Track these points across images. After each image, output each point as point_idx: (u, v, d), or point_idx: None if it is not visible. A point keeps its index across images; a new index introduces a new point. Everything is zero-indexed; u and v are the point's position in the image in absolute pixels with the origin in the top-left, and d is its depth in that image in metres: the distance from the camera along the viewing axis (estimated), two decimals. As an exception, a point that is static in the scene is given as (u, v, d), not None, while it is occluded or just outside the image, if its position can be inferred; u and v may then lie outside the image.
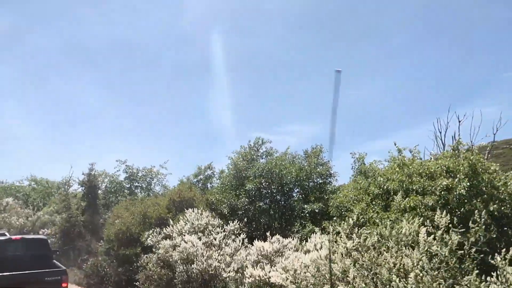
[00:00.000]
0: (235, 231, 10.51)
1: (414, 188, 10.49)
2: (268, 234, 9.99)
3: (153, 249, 14.22)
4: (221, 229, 13.42)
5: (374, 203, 12.45)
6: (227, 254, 9.25)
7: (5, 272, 9.61)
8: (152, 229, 15.80)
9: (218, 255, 8.86)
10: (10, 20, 49.87)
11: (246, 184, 15.76)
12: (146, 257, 11.91)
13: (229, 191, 16.34)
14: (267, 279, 8.33)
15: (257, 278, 8.38)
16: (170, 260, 9.60)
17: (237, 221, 10.90)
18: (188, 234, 13.74)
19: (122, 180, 23.23)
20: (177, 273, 8.78)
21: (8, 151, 50.57)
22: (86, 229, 18.79)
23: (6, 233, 13.70)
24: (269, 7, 47.71)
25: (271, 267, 8.71)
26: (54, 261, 11.61)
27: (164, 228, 15.03)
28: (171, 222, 14.97)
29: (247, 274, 8.55)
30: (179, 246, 10.36)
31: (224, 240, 9.54)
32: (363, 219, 11.76)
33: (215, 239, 10.49)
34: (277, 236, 10.07)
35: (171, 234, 14.53)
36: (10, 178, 40.41)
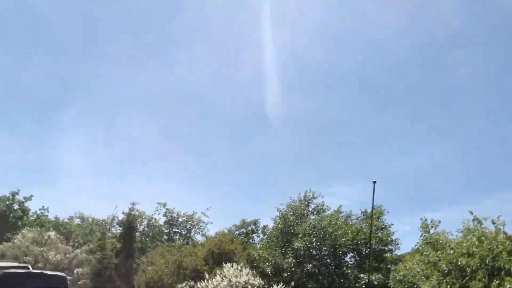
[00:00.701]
0: None
1: (503, 267, 8.61)
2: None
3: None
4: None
5: (447, 281, 10.48)
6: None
7: None
8: (186, 281, 14.40)
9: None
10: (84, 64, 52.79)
11: (294, 242, 14.19)
12: None
13: (275, 247, 14.79)
14: None
15: None
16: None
17: (283, 285, 9.28)
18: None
19: (161, 225, 22.22)
20: None
21: (60, 187, 51.84)
22: (118, 273, 17.63)
23: (30, 267, 12.95)
24: (327, 67, 47.40)
25: None
26: None
27: (198, 282, 13.61)
28: (207, 276, 13.52)
29: None
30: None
31: None
32: (435, 300, 9.82)
33: None
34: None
35: (206, 290, 13.07)
36: (60, 214, 40.68)
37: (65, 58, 55.43)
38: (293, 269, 13.49)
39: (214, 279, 12.75)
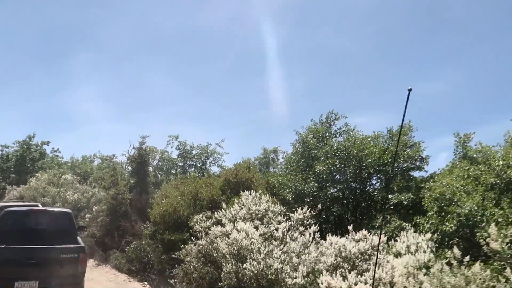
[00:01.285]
0: (305, 221, 7.90)
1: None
2: (350, 228, 7.30)
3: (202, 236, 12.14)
4: (283, 217, 10.97)
5: (493, 195, 9.37)
6: (293, 252, 6.72)
7: (21, 245, 8.79)
8: (203, 212, 13.69)
9: (281, 252, 6.32)
10: (87, 12, 51.13)
11: (316, 165, 13.12)
12: (185, 248, 9.66)
13: (295, 173, 13.80)
14: (352, 294, 5.72)
15: (337, 290, 5.80)
16: (215, 254, 7.26)
17: (307, 208, 8.28)
18: (242, 221, 11.43)
19: (174, 158, 21.43)
20: (223, 273, 6.41)
21: (81, 134, 52.30)
22: (133, 208, 17.15)
23: (39, 205, 12.48)
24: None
25: (357, 275, 6.06)
26: (77, 237, 10.19)
27: (216, 212, 12.87)
28: (224, 205, 12.73)
29: (321, 283, 5.98)
30: (229, 236, 7.98)
31: (289, 233, 6.98)
32: (479, 217, 8.76)
33: (277, 230, 7.93)
34: (363, 231, 7.36)
35: (223, 220, 12.32)
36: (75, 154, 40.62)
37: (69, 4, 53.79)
38: (315, 193, 12.51)
39: (232, 208, 11.91)
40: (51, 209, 11.81)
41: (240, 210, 12.10)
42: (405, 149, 12.51)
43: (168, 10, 54.29)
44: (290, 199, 13.24)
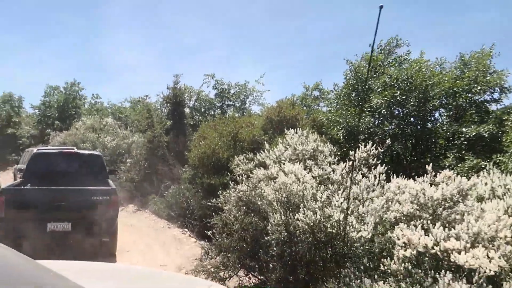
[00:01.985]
0: (370, 160, 6.39)
1: None
2: (429, 168, 5.75)
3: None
4: (333, 157, 9.54)
5: None
6: (356, 199, 5.32)
7: (52, 187, 8.76)
8: (244, 154, 12.48)
9: (343, 199, 4.92)
10: None
11: (371, 98, 11.40)
12: (223, 195, 8.51)
13: (347, 108, 12.14)
14: (440, 253, 4.33)
15: (419, 247, 4.42)
16: (259, 202, 5.99)
17: (372, 144, 6.77)
18: (289, 162, 10.11)
19: (212, 98, 20.08)
20: (270, 225, 5.16)
21: (120, 82, 52.38)
22: (170, 151, 16.25)
23: (75, 149, 12.10)
24: None
25: (444, 228, 4.62)
26: (109, 180, 10.14)
27: (258, 154, 11.61)
28: (267, 146, 11.42)
29: (397, 237, 4.60)
30: (274, 181, 6.66)
31: (350, 175, 5.53)
32: None
33: (334, 172, 6.50)
34: (447, 172, 5.80)
35: (266, 161, 11.06)
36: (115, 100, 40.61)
37: None
38: (371, 130, 10.89)
39: (276, 149, 10.57)
40: (81, 151, 11.37)
41: (285, 150, 10.75)
42: (484, 75, 10.47)
43: None
44: (341, 137, 11.74)
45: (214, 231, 6.60)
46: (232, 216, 6.14)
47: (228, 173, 12.75)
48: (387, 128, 11.18)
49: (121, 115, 34.13)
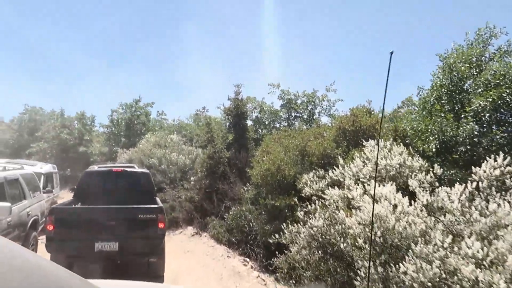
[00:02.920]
0: (506, 179, 4.42)
1: None
2: None
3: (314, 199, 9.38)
4: (427, 175, 7.65)
5: None
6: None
7: (100, 205, 8.84)
8: (314, 170, 10.84)
9: (473, 242, 3.13)
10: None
11: (471, 101, 9.28)
12: (289, 230, 6.87)
13: (439, 113, 10.07)
14: None
15: None
16: (342, 245, 4.25)
17: (503, 157, 4.82)
18: (369, 180, 8.33)
19: (277, 109, 18.56)
20: (359, 280, 3.45)
21: (189, 100, 53.87)
22: (231, 168, 14.95)
23: (135, 166, 12.37)
24: None
25: None
26: (156, 198, 9.96)
27: (330, 170, 9.92)
28: (341, 161, 9.68)
29: None
30: (356, 206, 4.94)
31: (472, 203, 3.68)
32: None
33: (450, 198, 4.62)
34: None
35: (342, 179, 9.33)
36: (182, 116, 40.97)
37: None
38: (474, 139, 8.77)
39: (352, 164, 8.85)
40: (130, 169, 10.96)
41: (364, 166, 8.98)
42: None
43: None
44: (433, 148, 9.68)
45: (277, 274, 4.99)
46: (301, 258, 4.50)
47: (296, 193, 11.15)
48: (495, 137, 8.97)
49: (186, 131, 34.01)
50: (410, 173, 8.69)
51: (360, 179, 8.96)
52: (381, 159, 8.97)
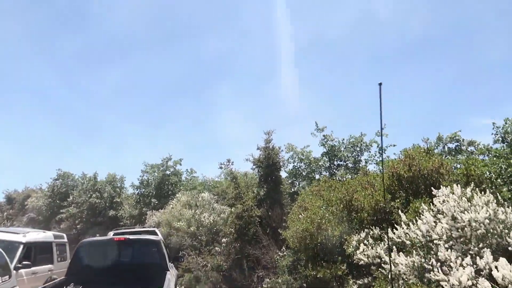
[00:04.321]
0: None
1: None
2: None
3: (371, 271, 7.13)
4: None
5: None
6: None
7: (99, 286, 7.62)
8: (365, 229, 8.59)
9: None
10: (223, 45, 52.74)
11: None
12: None
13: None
14: None
15: None
16: None
17: None
18: (446, 243, 6.05)
19: (317, 158, 16.30)
20: None
21: (221, 154, 53.78)
22: (264, 229, 12.76)
23: (156, 231, 12.30)
24: None
25: None
26: (167, 273, 7.81)
27: (387, 229, 7.66)
28: (403, 217, 7.39)
29: None
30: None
31: None
32: None
33: None
34: None
35: (405, 241, 7.04)
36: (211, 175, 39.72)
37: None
38: None
39: (421, 220, 6.62)
40: (135, 237, 9.13)
41: (437, 222, 6.70)
42: None
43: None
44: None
45: None
46: None
47: (344, 260, 8.85)
48: None
49: (217, 189, 32.30)
50: (506, 230, 6.34)
51: (433, 241, 6.67)
52: (463, 211, 6.69)
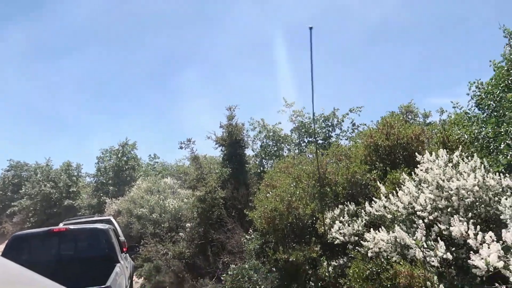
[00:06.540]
0: None
1: None
2: None
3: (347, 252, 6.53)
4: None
5: None
6: None
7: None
8: (340, 205, 7.99)
9: None
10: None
11: None
12: None
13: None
14: None
15: None
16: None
17: None
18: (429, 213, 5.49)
19: (287, 134, 15.53)
20: None
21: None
22: (229, 211, 12.04)
23: (112, 219, 11.98)
24: None
25: None
26: (116, 266, 7.10)
27: (365, 203, 7.09)
28: (383, 188, 6.78)
29: None
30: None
31: None
32: None
33: None
34: None
35: (385, 216, 6.46)
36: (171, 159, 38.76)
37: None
38: None
39: (402, 191, 6.03)
40: (77, 227, 8.33)
41: (419, 192, 6.14)
42: None
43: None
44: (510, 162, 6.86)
45: None
46: None
47: (318, 240, 8.24)
48: None
49: (181, 174, 31.38)
50: (496, 198, 5.84)
51: (416, 213, 6.11)
52: (443, 180, 6.15)
